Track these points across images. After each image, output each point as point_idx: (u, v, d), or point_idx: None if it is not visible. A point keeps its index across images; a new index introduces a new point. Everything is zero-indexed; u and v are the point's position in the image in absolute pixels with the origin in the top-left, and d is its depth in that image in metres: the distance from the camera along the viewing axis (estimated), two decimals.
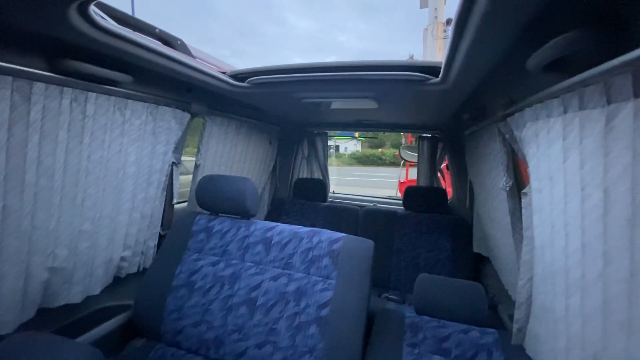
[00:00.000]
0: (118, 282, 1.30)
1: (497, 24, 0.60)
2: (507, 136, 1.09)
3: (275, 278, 1.19)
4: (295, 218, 2.36)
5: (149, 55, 0.94)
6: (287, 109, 1.86)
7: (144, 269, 1.39)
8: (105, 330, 1.20)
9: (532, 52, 0.67)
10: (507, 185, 1.17)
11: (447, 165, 2.44)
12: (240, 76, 1.33)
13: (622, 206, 0.55)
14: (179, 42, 1.22)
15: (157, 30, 1.13)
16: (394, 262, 2.03)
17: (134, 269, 1.35)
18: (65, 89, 0.91)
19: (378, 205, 2.56)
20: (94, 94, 1.00)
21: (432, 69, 1.08)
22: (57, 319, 1.13)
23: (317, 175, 2.70)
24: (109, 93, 1.04)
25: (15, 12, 0.67)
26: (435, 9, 9.23)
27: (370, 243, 1.20)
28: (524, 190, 0.98)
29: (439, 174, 2.53)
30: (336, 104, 1.54)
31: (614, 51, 0.51)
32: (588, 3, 0.54)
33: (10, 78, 0.79)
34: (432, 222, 2.08)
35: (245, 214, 1.33)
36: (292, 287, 1.15)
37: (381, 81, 1.16)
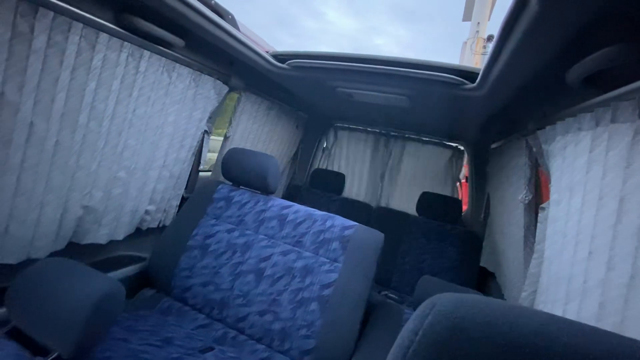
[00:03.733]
0: (139, 233, 1.38)
1: (540, 37, 0.63)
2: (534, 149, 1.10)
3: (285, 253, 1.24)
4: (309, 205, 2.42)
5: (202, 21, 1.00)
6: (318, 97, 1.90)
7: (164, 226, 1.47)
8: (121, 275, 1.28)
9: (572, 65, 0.69)
10: (527, 198, 1.17)
11: (466, 177, 2.43)
12: (280, 57, 1.38)
13: (634, 215, 0.57)
14: (230, 16, 1.28)
15: (212, 1, 1.20)
16: (398, 263, 2.05)
17: (155, 224, 1.43)
18: (125, 43, 0.99)
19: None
20: (148, 52, 1.07)
21: (468, 74, 1.10)
22: (82, 256, 1.22)
23: (334, 168, 2.73)
24: (161, 54, 1.11)
25: None
26: (478, 23, 9.07)
27: (380, 235, 1.23)
28: (542, 205, 0.99)
29: (458, 185, 2.52)
30: (368, 97, 1.57)
31: None
32: (632, 19, 0.56)
33: (81, 25, 0.86)
34: (443, 230, 2.08)
35: (265, 190, 1.39)
36: (299, 263, 1.20)
37: (416, 79, 1.19)
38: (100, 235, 1.19)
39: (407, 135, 2.54)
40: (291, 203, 1.37)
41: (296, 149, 2.57)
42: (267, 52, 1.36)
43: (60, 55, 0.86)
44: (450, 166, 2.47)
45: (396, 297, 1.87)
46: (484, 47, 8.01)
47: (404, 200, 2.54)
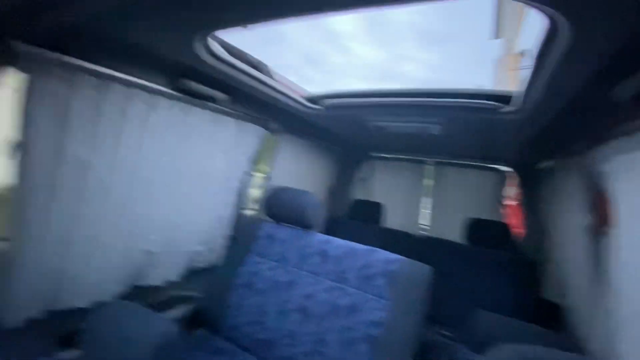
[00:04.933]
0: (191, 273, 1.46)
1: (580, 54, 0.61)
2: (589, 170, 1.02)
3: (329, 290, 1.23)
4: (349, 237, 2.39)
5: (243, 77, 1.11)
6: (352, 131, 1.95)
7: (212, 266, 1.54)
8: (176, 316, 1.34)
9: (618, 82, 0.65)
10: (588, 222, 1.07)
11: (518, 201, 2.27)
12: (314, 99, 1.46)
13: None
14: (266, 68, 1.40)
15: (250, 57, 1.33)
16: (447, 296, 1.91)
17: (205, 264, 1.51)
18: (178, 102, 1.12)
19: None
20: (198, 108, 1.20)
21: (505, 98, 1.08)
22: (142, 297, 1.31)
23: (373, 198, 2.71)
24: (208, 108, 1.24)
25: (155, 42, 0.86)
26: (509, 40, 8.87)
27: (427, 268, 1.18)
28: (607, 229, 0.90)
29: (503, 208, 2.36)
30: (401, 128, 1.59)
31: None
32: None
33: (144, 92, 1.01)
34: (494, 258, 1.93)
35: (306, 225, 1.42)
36: (344, 301, 1.18)
37: (450, 108, 1.18)
38: (157, 277, 1.28)
39: (445, 161, 2.48)
40: (332, 238, 1.38)
41: (333, 182, 2.61)
42: (300, 95, 1.45)
43: (126, 120, 1.00)
44: (494, 189, 2.34)
45: (449, 334, 1.73)
46: (518, 62, 7.75)
47: (447, 228, 2.42)
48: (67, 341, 1.05)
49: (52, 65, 0.80)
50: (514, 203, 2.41)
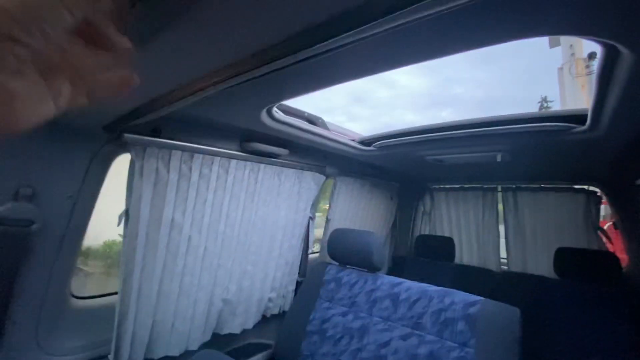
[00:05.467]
0: (264, 320, 1.51)
1: None
2: None
3: (404, 337, 1.16)
4: (418, 277, 2.26)
5: (300, 133, 1.21)
6: (408, 167, 1.94)
7: (284, 312, 1.57)
8: None
9: None
10: None
11: (614, 223, 1.94)
12: (367, 142, 1.51)
13: None
14: (320, 120, 1.52)
15: (305, 114, 1.46)
16: (545, 341, 1.64)
17: (277, 310, 1.55)
18: (247, 163, 1.26)
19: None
20: (262, 165, 1.33)
21: (574, 118, 1.00)
22: (222, 345, 1.38)
23: (440, 232, 2.56)
24: (272, 164, 1.36)
25: (228, 117, 1.01)
26: (571, 45, 8.20)
27: (515, 310, 1.06)
28: None
29: (601, 235, 2.01)
30: (461, 159, 1.54)
31: None
32: None
33: (219, 158, 1.16)
34: (601, 295, 1.63)
35: (372, 267, 1.39)
36: (423, 349, 1.10)
37: (513, 134, 1.13)
38: (235, 325, 1.35)
39: (517, 186, 2.26)
40: (401, 280, 1.33)
41: (394, 219, 2.55)
42: (354, 140, 1.52)
43: (207, 182, 1.15)
44: (585, 212, 2.03)
45: None
46: (587, 66, 7.04)
47: (533, 261, 2.14)
48: None
49: (149, 147, 0.98)
50: (610, 225, 2.06)
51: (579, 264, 1.74)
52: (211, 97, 0.65)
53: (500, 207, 2.35)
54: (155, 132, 0.99)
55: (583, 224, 2.01)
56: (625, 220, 1.80)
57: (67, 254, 0.94)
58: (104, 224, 1.13)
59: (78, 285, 1.06)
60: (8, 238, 0.81)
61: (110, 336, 1.00)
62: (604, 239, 2.01)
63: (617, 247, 2.02)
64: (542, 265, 2.02)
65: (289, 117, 1.11)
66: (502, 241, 2.33)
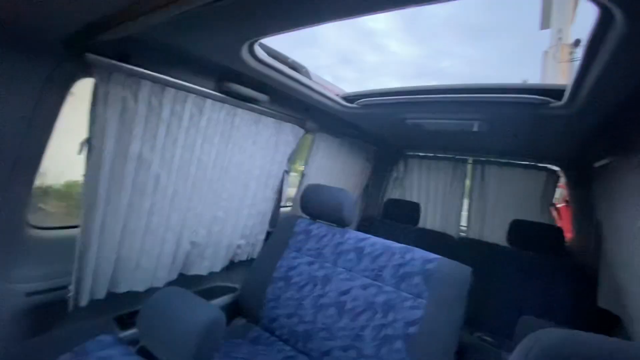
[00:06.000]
0: (232, 265, 1.55)
1: (637, 44, 0.57)
2: None
3: (364, 287, 1.24)
4: (383, 237, 2.38)
5: (282, 78, 1.15)
6: (387, 129, 1.94)
7: (252, 259, 1.61)
8: (218, 304, 1.43)
9: None
10: None
11: (566, 201, 2.11)
12: (350, 98, 1.48)
13: None
14: (303, 69, 1.45)
15: (289, 60, 1.38)
16: (491, 302, 1.83)
17: (244, 257, 1.59)
18: (223, 104, 1.19)
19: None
20: (240, 110, 1.27)
21: (554, 92, 1.02)
22: (188, 285, 1.41)
23: (409, 198, 2.66)
24: (250, 109, 1.30)
25: (206, 49, 0.93)
26: (560, 29, 8.22)
27: (467, 269, 1.15)
28: None
29: (553, 211, 2.20)
30: (439, 125, 1.55)
31: None
32: None
33: (193, 95, 1.09)
34: (545, 264, 1.81)
35: (341, 223, 1.44)
36: (380, 298, 1.18)
37: (492, 104, 1.14)
38: (202, 267, 1.37)
39: (486, 159, 2.36)
40: (367, 235, 1.39)
41: (367, 181, 2.60)
42: (337, 94, 1.48)
43: (179, 120, 1.09)
44: (544, 190, 2.18)
45: (492, 341, 1.66)
46: (571, 53, 7.16)
47: (488, 230, 2.31)
48: (125, 321, 1.16)
49: (116, 73, 0.90)
50: (563, 204, 2.24)
51: (530, 235, 1.90)
52: (185, 18, 0.58)
53: (467, 181, 2.47)
54: (124, 58, 0.90)
55: (539, 200, 2.18)
56: (577, 200, 1.96)
57: (21, 179, 0.88)
58: (66, 164, 1.05)
59: (38, 222, 1.01)
60: None
61: (71, 268, 0.98)
62: (555, 216, 2.19)
63: (565, 224, 2.22)
64: (497, 235, 2.18)
65: (271, 59, 1.04)
66: (464, 214, 2.48)
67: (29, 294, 0.96)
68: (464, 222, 2.48)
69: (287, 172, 1.67)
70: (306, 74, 1.45)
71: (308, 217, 1.56)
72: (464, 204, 2.48)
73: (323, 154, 1.92)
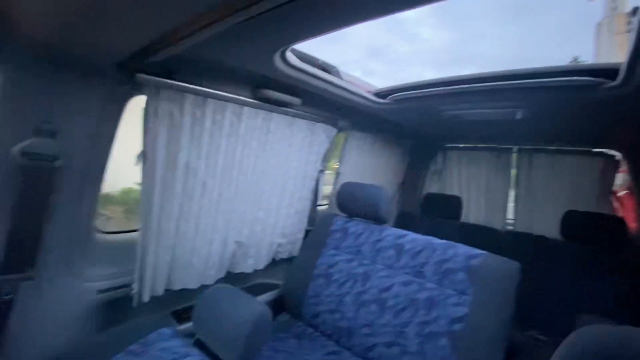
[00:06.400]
0: (274, 263, 1.61)
1: None
2: None
3: (405, 284, 1.23)
4: (423, 233, 2.33)
5: (313, 80, 1.18)
6: (423, 123, 1.89)
7: (293, 257, 1.67)
8: (263, 300, 1.50)
9: None
10: None
11: (629, 188, 1.91)
12: (382, 94, 1.47)
13: None
14: (334, 69, 1.46)
15: (319, 61, 1.40)
16: (544, 299, 1.72)
17: (286, 255, 1.65)
18: (259, 111, 1.25)
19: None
20: (275, 114, 1.32)
21: (605, 72, 0.93)
22: (235, 283, 1.49)
23: (449, 192, 2.57)
24: (284, 113, 1.35)
25: (241, 60, 0.98)
26: None
27: (515, 264, 1.10)
28: None
29: (613, 200, 1.99)
30: (478, 115, 1.49)
31: None
32: None
33: (232, 104, 1.15)
34: (604, 258, 1.66)
35: (378, 219, 1.43)
36: (422, 295, 1.17)
37: (536, 89, 1.07)
38: (247, 265, 1.45)
39: (534, 147, 2.20)
40: (406, 232, 1.37)
41: (403, 176, 2.55)
42: (369, 91, 1.47)
43: (220, 128, 1.16)
44: (601, 177, 1.99)
45: (545, 339, 1.56)
46: (628, 23, 6.39)
47: (540, 222, 2.15)
48: (181, 315, 1.27)
49: (163, 89, 0.98)
50: (625, 192, 2.02)
51: (586, 226, 1.75)
52: (223, 34, 0.63)
53: (512, 171, 2.33)
54: (169, 75, 0.98)
55: (596, 189, 1.99)
56: None
57: (90, 190, 1.00)
58: (122, 173, 1.17)
59: (102, 227, 1.14)
60: (34, 172, 0.85)
61: (134, 268, 1.09)
62: (616, 205, 1.99)
63: (629, 214, 2.01)
64: (549, 228, 2.03)
65: (302, 63, 1.07)
66: (510, 205, 2.34)
67: (100, 292, 1.09)
68: (510, 214, 2.35)
69: (322, 171, 1.70)
70: (336, 73, 1.46)
71: (344, 215, 1.58)
72: (510, 195, 2.34)
73: (357, 151, 1.93)
